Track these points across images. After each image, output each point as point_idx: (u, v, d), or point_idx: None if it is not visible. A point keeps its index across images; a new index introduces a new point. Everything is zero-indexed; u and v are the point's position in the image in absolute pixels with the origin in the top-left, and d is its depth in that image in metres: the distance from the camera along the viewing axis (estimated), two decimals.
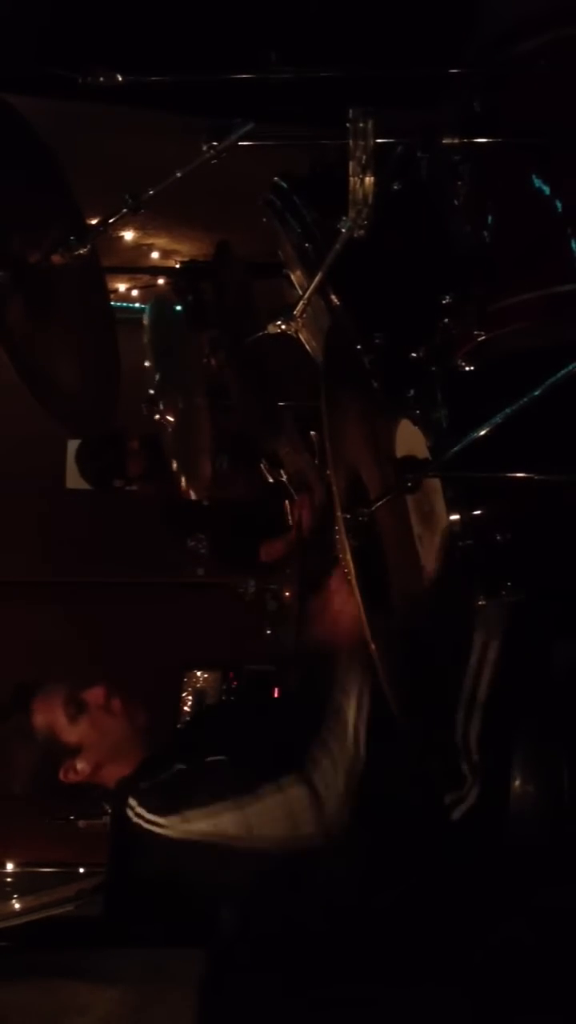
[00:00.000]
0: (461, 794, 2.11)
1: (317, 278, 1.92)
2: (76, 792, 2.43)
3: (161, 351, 3.15)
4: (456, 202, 2.07)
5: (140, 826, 2.19)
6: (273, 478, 3.05)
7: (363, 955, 2.05)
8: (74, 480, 4.57)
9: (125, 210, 1.99)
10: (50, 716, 2.39)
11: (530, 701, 2.13)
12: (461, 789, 2.11)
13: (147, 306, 3.33)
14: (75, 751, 2.37)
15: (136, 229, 4.06)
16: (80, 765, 2.37)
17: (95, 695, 2.42)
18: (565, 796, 2.06)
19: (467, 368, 2.05)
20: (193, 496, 3.08)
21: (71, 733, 2.38)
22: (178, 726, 3.56)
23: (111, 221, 2.02)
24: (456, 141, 1.97)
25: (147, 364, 3.13)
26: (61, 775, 2.37)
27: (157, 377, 3.09)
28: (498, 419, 1.78)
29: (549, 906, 2.06)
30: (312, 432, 2.91)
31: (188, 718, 3.94)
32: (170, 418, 3.03)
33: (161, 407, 3.01)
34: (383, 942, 2.07)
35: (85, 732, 2.37)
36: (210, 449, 2.97)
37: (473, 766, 2.11)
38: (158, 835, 2.16)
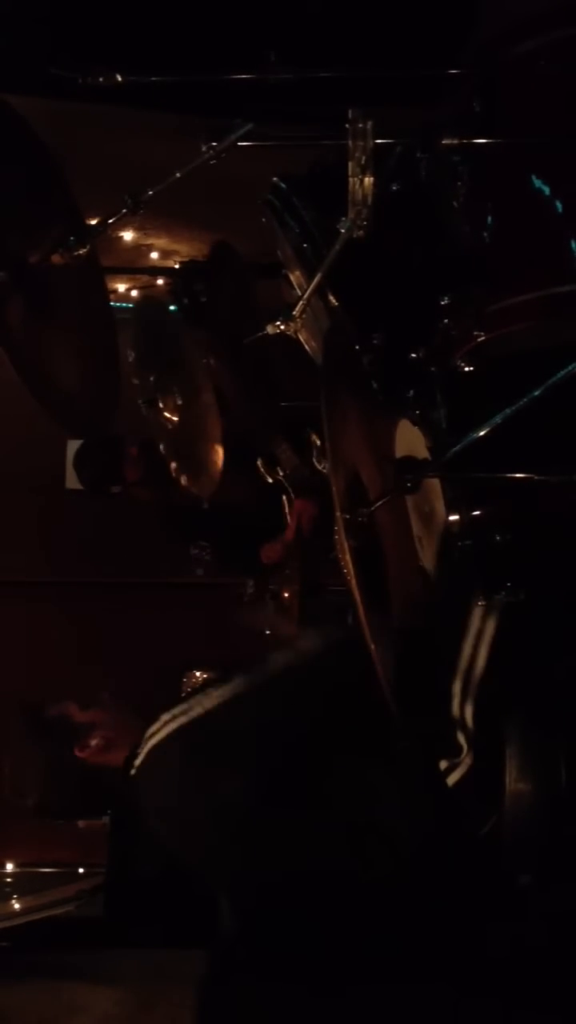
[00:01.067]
0: (457, 761, 2.12)
1: (316, 278, 1.92)
2: (84, 791, 2.55)
3: (151, 352, 3.14)
4: (455, 203, 2.07)
5: (139, 767, 2.31)
6: (271, 478, 3.05)
7: (363, 954, 2.05)
8: (74, 481, 4.57)
9: (125, 210, 1.99)
10: (64, 708, 2.62)
11: (528, 698, 2.13)
12: (457, 757, 2.12)
13: (136, 306, 3.33)
14: (88, 728, 2.57)
15: (136, 229, 4.05)
16: (94, 740, 2.56)
17: (104, 697, 2.66)
18: (563, 795, 2.06)
19: (467, 368, 2.05)
20: (197, 492, 3.07)
21: (83, 715, 2.60)
22: None
23: (111, 221, 2.01)
24: (456, 141, 1.97)
25: (131, 361, 3.11)
26: (77, 750, 2.57)
27: (152, 378, 3.09)
28: (498, 419, 1.78)
29: (548, 905, 2.06)
30: (313, 435, 2.91)
31: None
32: (172, 417, 3.03)
33: (160, 407, 3.01)
34: (383, 941, 2.07)
35: (95, 714, 2.60)
36: (217, 446, 2.98)
37: (468, 737, 2.12)
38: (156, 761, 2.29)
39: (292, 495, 3.08)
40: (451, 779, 2.14)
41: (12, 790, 2.60)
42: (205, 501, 3.12)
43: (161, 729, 2.32)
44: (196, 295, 3.20)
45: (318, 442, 2.96)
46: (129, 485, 4.00)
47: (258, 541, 3.21)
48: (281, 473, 3.09)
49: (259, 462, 3.15)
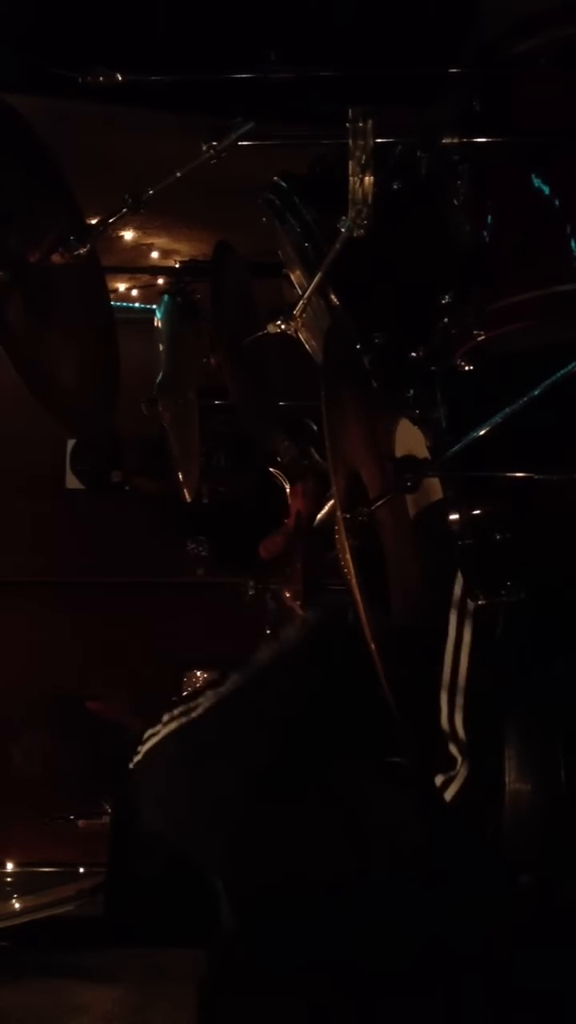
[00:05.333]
0: (452, 774, 2.11)
1: (317, 278, 1.92)
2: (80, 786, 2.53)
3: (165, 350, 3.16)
4: (456, 202, 2.07)
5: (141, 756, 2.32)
6: (270, 469, 3.05)
7: (363, 955, 2.05)
8: (74, 480, 4.57)
9: (125, 210, 1.99)
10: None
11: (528, 698, 2.13)
12: (452, 770, 2.12)
13: (158, 306, 3.34)
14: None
15: (136, 229, 4.05)
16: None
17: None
18: (562, 795, 2.06)
19: (467, 368, 2.05)
20: (186, 498, 3.08)
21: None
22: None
23: (111, 221, 2.02)
24: (456, 141, 1.97)
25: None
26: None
27: (159, 377, 3.10)
28: (498, 419, 1.78)
29: (549, 905, 2.06)
30: (311, 424, 2.92)
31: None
32: (168, 417, 3.03)
33: (160, 407, 3.01)
34: (382, 942, 2.07)
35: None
36: (201, 451, 2.98)
37: (461, 747, 2.11)
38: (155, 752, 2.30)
39: (290, 484, 3.07)
40: (448, 793, 2.13)
41: (20, 763, 2.56)
42: (204, 496, 3.12)
43: (161, 729, 2.32)
44: (184, 293, 3.20)
45: (315, 428, 2.97)
46: (130, 474, 3.97)
47: (257, 537, 3.20)
48: (280, 462, 3.09)
49: (260, 461, 3.15)
